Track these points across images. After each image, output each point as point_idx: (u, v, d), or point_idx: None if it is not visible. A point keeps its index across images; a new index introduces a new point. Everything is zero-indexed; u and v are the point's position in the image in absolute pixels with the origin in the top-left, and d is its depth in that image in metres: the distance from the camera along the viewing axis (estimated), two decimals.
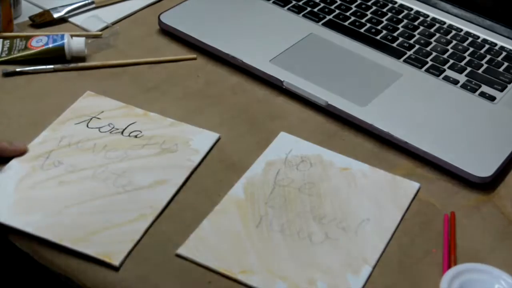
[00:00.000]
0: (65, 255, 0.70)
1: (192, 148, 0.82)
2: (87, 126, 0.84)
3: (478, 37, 1.02)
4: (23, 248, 0.71)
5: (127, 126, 0.84)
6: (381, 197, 0.78)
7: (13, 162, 0.78)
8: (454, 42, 1.01)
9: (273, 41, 0.97)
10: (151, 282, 0.68)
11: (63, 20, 1.01)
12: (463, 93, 0.92)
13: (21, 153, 0.78)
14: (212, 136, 0.84)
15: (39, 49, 0.92)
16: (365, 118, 0.86)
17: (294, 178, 0.79)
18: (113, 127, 0.84)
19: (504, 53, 1.00)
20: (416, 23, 1.04)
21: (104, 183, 0.76)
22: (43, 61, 0.92)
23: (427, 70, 0.95)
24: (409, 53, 0.98)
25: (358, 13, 1.05)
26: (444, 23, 1.05)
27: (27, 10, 1.02)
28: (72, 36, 0.94)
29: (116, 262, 0.69)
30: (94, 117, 0.85)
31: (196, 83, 0.92)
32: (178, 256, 0.70)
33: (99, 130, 0.83)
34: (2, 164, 0.78)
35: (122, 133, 0.83)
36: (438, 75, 0.95)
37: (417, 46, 0.99)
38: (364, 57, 0.97)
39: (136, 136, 0.82)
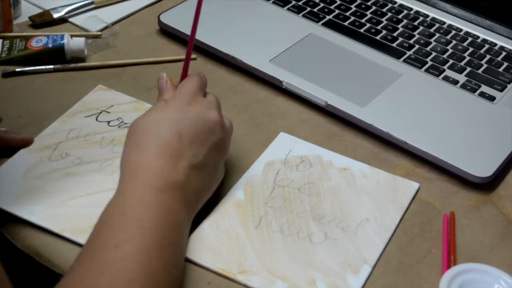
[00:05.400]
0: (66, 254, 0.70)
1: None
2: (96, 119, 0.84)
3: (478, 37, 1.02)
4: (23, 248, 0.71)
5: None
6: (381, 197, 0.78)
7: (21, 152, 0.79)
8: (454, 42, 1.01)
9: (273, 41, 0.97)
10: None
11: (63, 20, 1.01)
12: (463, 93, 0.92)
13: (28, 144, 0.79)
14: None
15: (39, 49, 0.92)
16: (365, 118, 0.86)
17: (294, 179, 0.79)
18: (122, 122, 0.84)
19: (504, 53, 1.00)
20: (416, 23, 1.04)
21: (110, 176, 0.77)
22: (43, 61, 0.92)
23: (427, 70, 0.95)
24: (409, 53, 0.98)
25: (358, 13, 1.05)
26: (444, 23, 1.05)
27: (27, 10, 1.02)
28: (72, 36, 0.94)
29: None
30: (104, 110, 0.85)
31: None
32: None
33: (108, 124, 0.84)
34: (10, 154, 0.78)
35: None
36: (438, 75, 0.95)
37: (417, 46, 0.99)
38: (364, 57, 0.97)
39: None
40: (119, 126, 0.84)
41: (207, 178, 0.72)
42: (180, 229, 0.67)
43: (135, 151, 0.69)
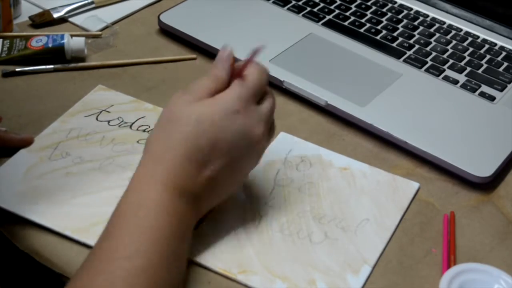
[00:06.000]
0: (66, 254, 0.70)
1: None
2: (97, 119, 0.84)
3: (478, 37, 1.02)
4: (23, 248, 0.71)
5: (136, 120, 0.84)
6: (381, 197, 0.78)
7: (22, 152, 0.79)
8: (454, 42, 1.01)
9: (273, 41, 0.97)
10: None
11: (63, 20, 1.01)
12: (463, 93, 0.92)
13: (28, 144, 0.79)
14: None
15: (39, 49, 0.92)
16: (365, 118, 0.86)
17: (294, 178, 0.79)
18: (122, 121, 0.84)
19: (504, 53, 1.00)
20: (416, 23, 1.04)
21: (110, 175, 0.77)
22: (43, 61, 0.92)
23: (427, 70, 0.95)
24: (409, 53, 0.98)
25: (358, 13, 1.05)
26: (444, 23, 1.05)
27: (27, 10, 1.02)
28: (72, 36, 0.94)
29: None
30: (104, 110, 0.85)
31: None
32: None
33: (108, 123, 0.84)
34: (10, 154, 0.78)
35: (130, 127, 0.83)
36: (438, 75, 0.95)
37: (417, 46, 0.99)
38: (364, 57, 0.97)
39: (144, 130, 0.83)
40: (119, 126, 0.84)
41: (223, 191, 0.69)
42: (188, 242, 0.66)
43: (166, 141, 0.65)
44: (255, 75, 0.69)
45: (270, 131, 0.71)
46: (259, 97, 0.69)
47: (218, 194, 0.69)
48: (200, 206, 0.67)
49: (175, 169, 0.64)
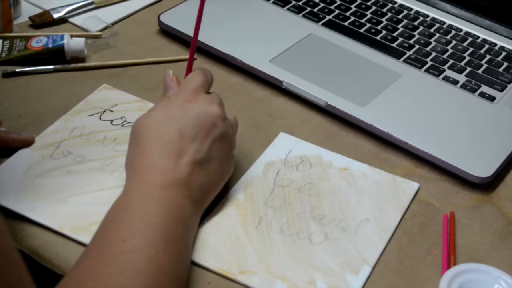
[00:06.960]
0: (66, 254, 0.70)
1: None
2: (100, 118, 0.84)
3: (478, 37, 1.02)
4: (23, 248, 0.71)
5: None
6: (381, 197, 0.78)
7: (24, 150, 0.79)
8: (454, 42, 1.01)
9: (273, 41, 0.97)
10: None
11: (63, 20, 1.01)
12: (463, 93, 0.92)
13: (29, 144, 0.80)
14: None
15: (39, 49, 0.92)
16: (365, 118, 0.86)
17: (294, 179, 0.79)
18: (125, 121, 0.84)
19: (504, 53, 1.00)
20: (416, 23, 1.04)
21: (110, 175, 0.77)
22: (43, 61, 0.92)
23: (427, 70, 0.95)
24: (409, 53, 0.98)
25: (358, 13, 1.05)
26: (444, 23, 1.05)
27: (27, 10, 1.02)
28: (72, 36, 0.94)
29: None
30: (107, 109, 0.85)
31: None
32: None
33: (111, 122, 0.84)
34: (11, 154, 0.78)
35: None
36: (438, 75, 0.95)
37: (417, 46, 0.99)
38: (364, 57, 0.97)
39: None
40: (122, 125, 0.84)
41: (213, 173, 0.72)
42: (186, 225, 0.67)
43: (138, 152, 0.70)
44: (196, 74, 0.76)
45: (231, 117, 0.76)
46: (205, 89, 0.75)
47: (212, 174, 0.72)
48: (194, 189, 0.69)
49: (153, 169, 0.68)
